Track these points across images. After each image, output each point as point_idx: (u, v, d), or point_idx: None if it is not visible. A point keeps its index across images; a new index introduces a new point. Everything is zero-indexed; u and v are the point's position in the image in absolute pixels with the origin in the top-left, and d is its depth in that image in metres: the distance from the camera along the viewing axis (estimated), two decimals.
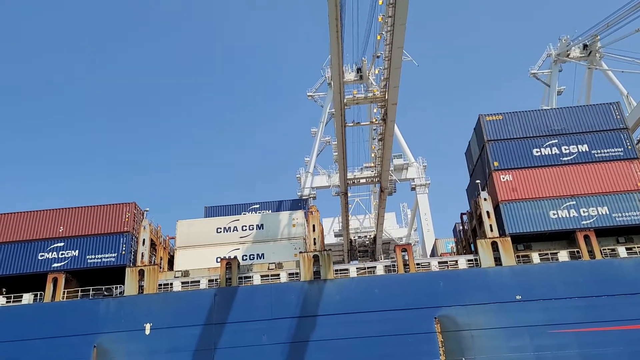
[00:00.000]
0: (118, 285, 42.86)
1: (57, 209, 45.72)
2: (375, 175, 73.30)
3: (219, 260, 46.71)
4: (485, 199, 43.18)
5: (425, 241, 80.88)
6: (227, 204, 60.51)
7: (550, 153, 44.45)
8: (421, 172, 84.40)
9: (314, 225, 44.28)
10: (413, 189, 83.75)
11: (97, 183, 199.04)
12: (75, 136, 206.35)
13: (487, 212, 42.67)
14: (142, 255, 43.60)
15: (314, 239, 43.68)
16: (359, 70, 77.87)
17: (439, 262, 42.15)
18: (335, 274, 41.94)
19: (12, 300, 42.37)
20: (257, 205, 60.57)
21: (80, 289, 42.85)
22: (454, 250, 60.43)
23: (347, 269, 42.84)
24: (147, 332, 40.08)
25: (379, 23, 48.08)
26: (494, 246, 41.28)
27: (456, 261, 42.06)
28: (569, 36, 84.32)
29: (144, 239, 44.29)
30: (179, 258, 47.22)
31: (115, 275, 44.18)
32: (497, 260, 40.88)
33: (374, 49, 59.86)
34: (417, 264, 41.99)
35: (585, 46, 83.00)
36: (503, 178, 43.78)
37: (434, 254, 72.49)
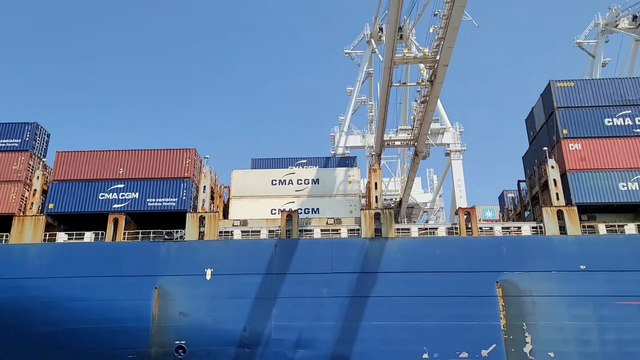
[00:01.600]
0: (178, 230, 43.10)
1: (117, 150, 45.53)
2: (412, 138, 72.29)
3: (273, 212, 46.89)
4: (552, 167, 42.41)
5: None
6: (274, 157, 60.28)
7: (622, 124, 43.30)
8: (457, 138, 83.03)
9: (376, 183, 43.93)
10: (447, 154, 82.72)
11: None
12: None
13: (554, 180, 41.97)
14: (203, 202, 43.62)
15: (376, 196, 43.40)
16: (399, 29, 75.79)
17: (502, 228, 41.85)
18: (397, 232, 41.85)
19: (74, 237, 42.80)
20: (305, 160, 60.28)
21: (140, 231, 43.16)
22: (500, 217, 60.08)
23: (408, 229, 42.74)
24: (208, 277, 40.50)
25: None
26: (559, 215, 40.82)
27: (519, 227, 41.74)
28: (620, 6, 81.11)
29: (204, 186, 44.20)
30: (233, 207, 47.23)
31: (172, 220, 44.44)
32: (562, 229, 40.50)
33: (421, 8, 57.82)
34: (480, 228, 41.73)
35: (635, 17, 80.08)
36: (572, 147, 42.85)
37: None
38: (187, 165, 44.76)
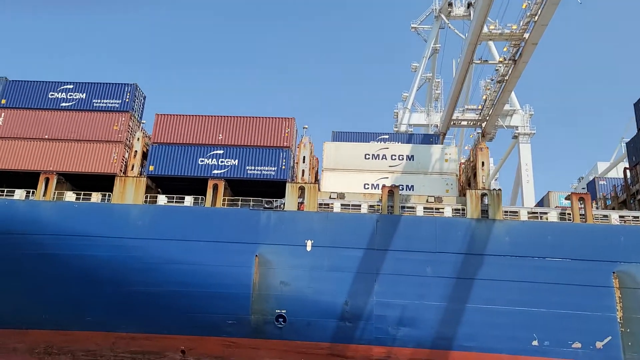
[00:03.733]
0: (277, 199, 42.64)
1: (216, 116, 45.16)
2: (480, 118, 69.89)
3: (366, 186, 46.03)
4: None
5: (524, 192, 78.29)
6: (355, 131, 59.03)
7: None
8: (526, 121, 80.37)
9: (483, 162, 42.37)
10: (515, 137, 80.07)
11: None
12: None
13: None
14: (303, 172, 42.96)
15: (483, 176, 41.89)
16: (469, 5, 72.90)
17: (619, 216, 39.86)
18: (504, 215, 40.39)
19: (174, 201, 42.85)
20: (387, 136, 58.85)
21: (240, 198, 42.86)
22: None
23: (516, 211, 41.22)
24: (309, 248, 40.05)
25: None
26: None
27: (638, 217, 39.66)
28: None
29: (304, 156, 43.47)
30: (325, 180, 46.49)
31: (266, 189, 44.07)
32: None
33: None
34: (594, 216, 39.87)
35: None
36: None
37: (541, 206, 69.99)
38: (287, 134, 44.09)
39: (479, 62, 61.37)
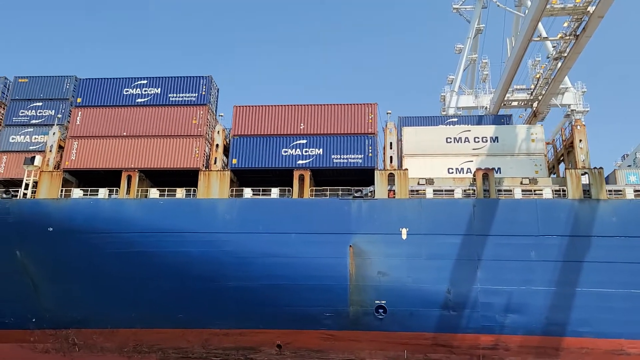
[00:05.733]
0: (364, 188, 41.53)
1: (296, 105, 44.02)
2: (531, 98, 67.83)
3: (450, 171, 44.61)
4: None
5: None
6: (421, 115, 57.53)
7: None
8: (579, 99, 78.01)
9: (580, 140, 40.69)
10: (567, 115, 77.77)
11: None
12: None
13: None
14: (391, 159, 41.78)
15: (582, 155, 40.26)
16: None
17: None
18: (608, 194, 38.76)
19: (260, 193, 42.00)
20: (455, 119, 57.31)
21: (327, 188, 41.86)
22: None
23: (621, 190, 39.54)
24: (404, 237, 38.91)
25: None
26: None
27: None
28: None
29: (390, 142, 42.28)
30: (407, 166, 45.08)
31: (351, 177, 42.96)
32: None
33: None
34: None
35: None
36: None
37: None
38: (371, 120, 42.85)
39: (538, 39, 59.43)
